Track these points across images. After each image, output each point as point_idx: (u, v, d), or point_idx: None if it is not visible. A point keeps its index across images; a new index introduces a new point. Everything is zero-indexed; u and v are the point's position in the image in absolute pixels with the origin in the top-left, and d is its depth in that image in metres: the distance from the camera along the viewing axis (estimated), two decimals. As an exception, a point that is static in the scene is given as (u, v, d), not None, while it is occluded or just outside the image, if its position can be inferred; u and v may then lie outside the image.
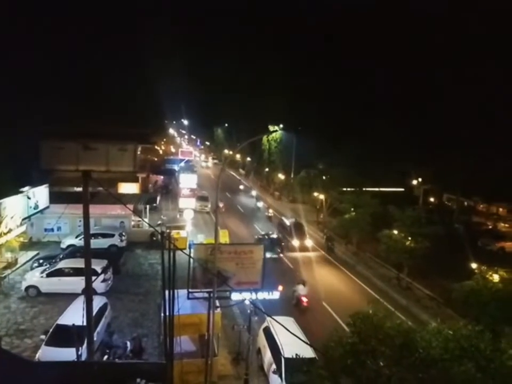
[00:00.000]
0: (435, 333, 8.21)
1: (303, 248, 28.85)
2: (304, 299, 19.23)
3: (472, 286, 15.53)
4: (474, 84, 37.50)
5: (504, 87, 34.06)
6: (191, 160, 66.37)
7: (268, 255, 28.99)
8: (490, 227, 37.55)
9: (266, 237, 28.69)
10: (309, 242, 29.53)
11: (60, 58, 45.95)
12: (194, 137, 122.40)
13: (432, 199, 45.66)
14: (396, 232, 22.80)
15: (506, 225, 37.82)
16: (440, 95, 39.87)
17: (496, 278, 15.44)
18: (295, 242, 28.95)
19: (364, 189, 31.45)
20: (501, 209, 42.02)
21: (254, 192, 50.08)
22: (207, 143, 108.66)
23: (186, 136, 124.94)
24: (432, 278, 23.15)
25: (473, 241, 28.95)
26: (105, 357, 13.19)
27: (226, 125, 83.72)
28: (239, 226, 35.05)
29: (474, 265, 18.37)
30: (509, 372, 7.26)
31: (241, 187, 56.86)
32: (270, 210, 40.57)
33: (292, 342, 12.00)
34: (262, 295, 13.77)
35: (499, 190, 36.11)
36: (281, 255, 27.48)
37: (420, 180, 40.48)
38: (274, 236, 29.52)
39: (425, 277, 23.22)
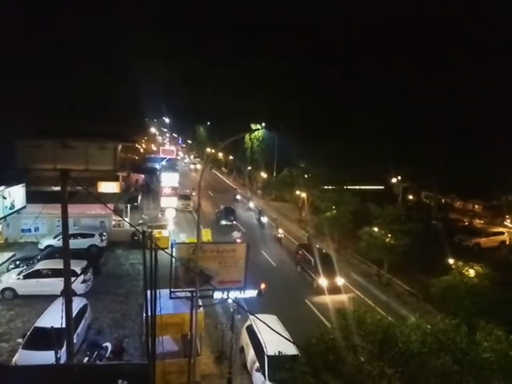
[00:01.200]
0: (414, 328, 8.39)
1: (334, 289, 21.43)
2: (238, 240, 24.62)
3: (449, 281, 16.02)
4: (451, 83, 38.51)
5: (480, 86, 35.12)
6: (174, 159, 65.59)
7: (224, 222, 33.58)
8: (466, 223, 38.57)
9: (222, 206, 36.10)
10: (340, 281, 21.95)
11: (38, 55, 44.78)
12: (176, 136, 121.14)
13: (411, 197, 46.65)
14: (376, 229, 23.19)
15: (482, 221, 38.96)
16: (418, 96, 40.68)
17: (472, 273, 15.94)
18: (323, 282, 21.58)
19: (344, 187, 31.78)
20: (476, 206, 43.25)
21: (252, 204, 42.42)
22: (189, 141, 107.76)
23: (168, 135, 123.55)
24: (411, 273, 23.66)
25: (450, 238, 29.71)
26: (86, 358, 12.97)
27: (208, 123, 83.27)
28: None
29: (451, 261, 18.85)
30: (484, 364, 7.50)
31: (238, 197, 46.93)
32: (280, 230, 31.85)
33: (275, 339, 12.04)
34: (242, 294, 13.68)
35: (474, 187, 37.13)
36: (234, 222, 33.60)
37: (399, 178, 41.28)
38: (231, 207, 36.60)
39: (405, 273, 23.71)
